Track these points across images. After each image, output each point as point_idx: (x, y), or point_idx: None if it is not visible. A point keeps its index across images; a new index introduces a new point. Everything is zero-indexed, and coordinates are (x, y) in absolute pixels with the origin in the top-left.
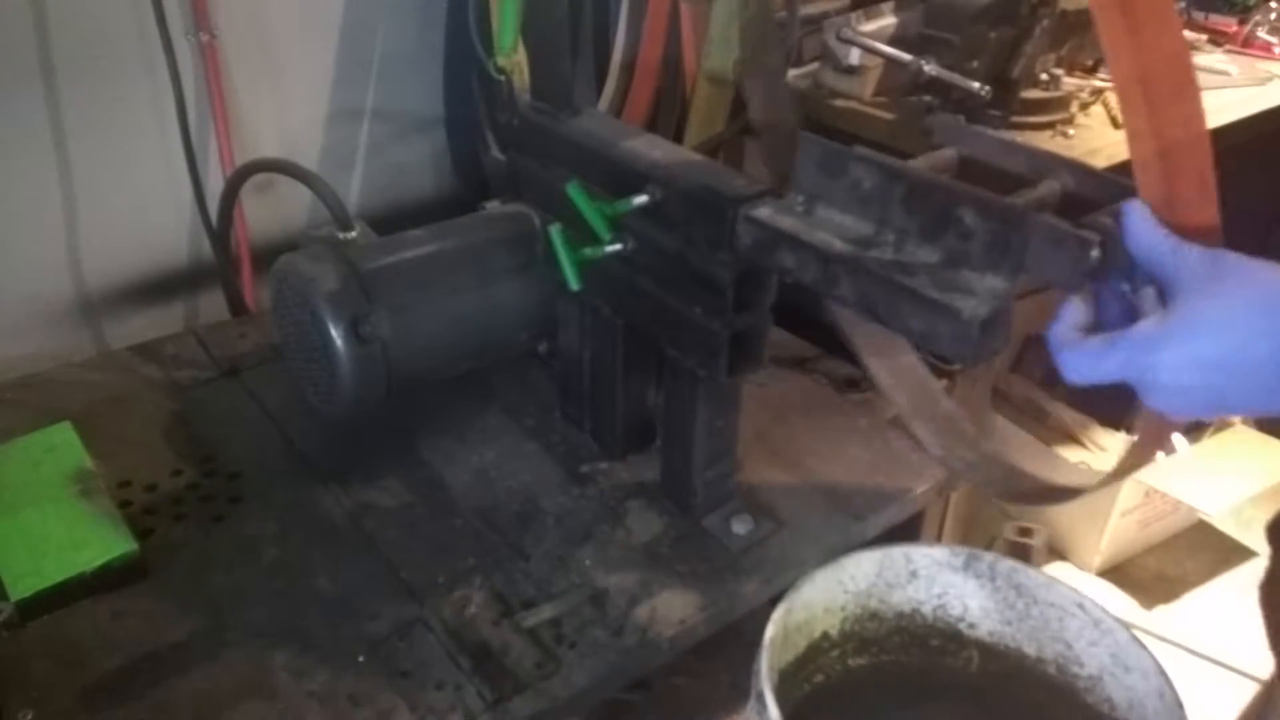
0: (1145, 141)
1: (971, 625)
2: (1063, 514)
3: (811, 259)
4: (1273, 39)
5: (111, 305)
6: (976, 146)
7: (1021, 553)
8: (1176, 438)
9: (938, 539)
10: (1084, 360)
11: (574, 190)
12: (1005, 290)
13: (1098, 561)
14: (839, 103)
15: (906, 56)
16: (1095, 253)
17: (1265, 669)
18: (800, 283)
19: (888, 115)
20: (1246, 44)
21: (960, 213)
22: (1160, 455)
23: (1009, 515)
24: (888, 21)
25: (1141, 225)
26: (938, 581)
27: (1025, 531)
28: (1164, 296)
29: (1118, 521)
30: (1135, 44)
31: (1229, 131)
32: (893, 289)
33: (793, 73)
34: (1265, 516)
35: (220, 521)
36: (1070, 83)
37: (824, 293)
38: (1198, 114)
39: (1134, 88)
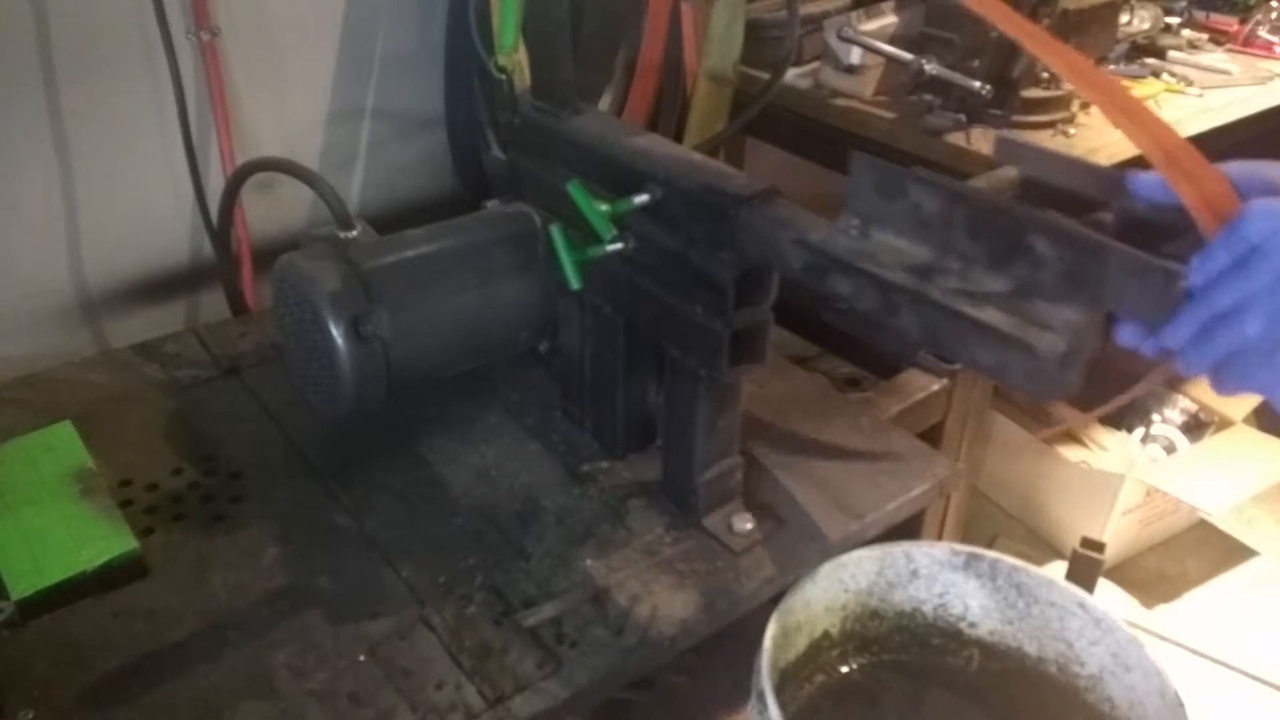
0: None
1: (972, 624)
2: (1064, 513)
3: (869, 286)
4: (1274, 38)
5: (112, 304)
6: (1037, 164)
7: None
8: (1176, 436)
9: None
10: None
11: (575, 189)
12: (1083, 323)
13: None
14: (840, 102)
15: (907, 56)
16: (1183, 283)
17: (1266, 668)
18: (856, 310)
19: (888, 114)
20: (1247, 43)
21: (1031, 240)
22: (1161, 454)
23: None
24: (888, 20)
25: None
26: (938, 580)
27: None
28: None
29: (1118, 521)
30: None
31: (1230, 130)
32: (960, 321)
33: (793, 72)
34: (1266, 516)
35: (221, 521)
36: None
37: (883, 321)
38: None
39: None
